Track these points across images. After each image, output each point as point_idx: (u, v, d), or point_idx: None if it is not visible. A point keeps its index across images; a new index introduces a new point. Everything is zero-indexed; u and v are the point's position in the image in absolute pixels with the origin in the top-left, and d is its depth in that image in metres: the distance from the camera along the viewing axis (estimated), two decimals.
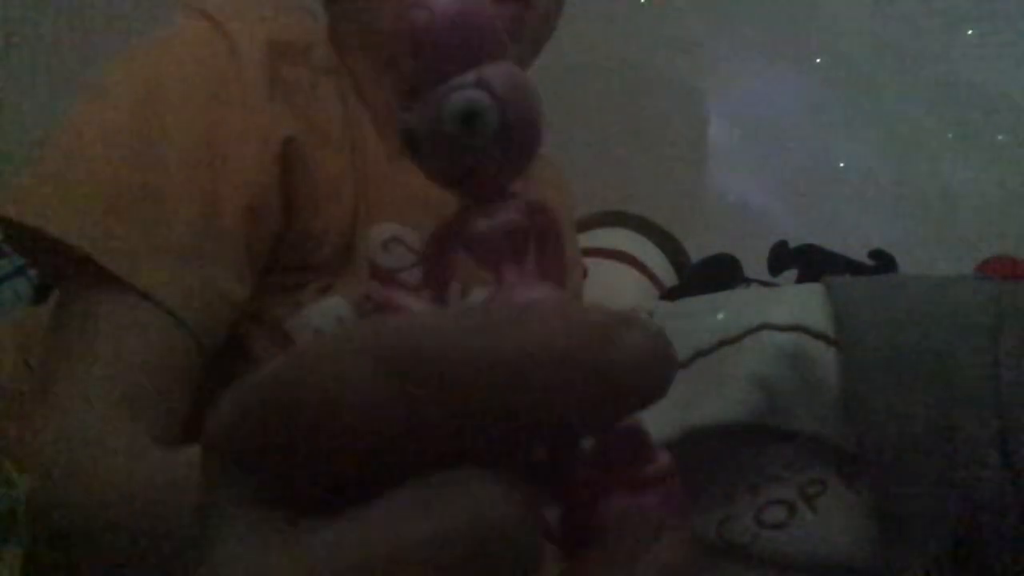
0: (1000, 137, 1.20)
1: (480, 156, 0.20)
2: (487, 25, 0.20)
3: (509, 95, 0.20)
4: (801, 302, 0.77)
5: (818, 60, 1.26)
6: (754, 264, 1.03)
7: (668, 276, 1.14)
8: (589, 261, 1.03)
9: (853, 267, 0.99)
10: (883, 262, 1.00)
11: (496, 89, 0.20)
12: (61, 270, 0.55)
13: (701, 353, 0.74)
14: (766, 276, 1.03)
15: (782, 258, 1.02)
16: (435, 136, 0.20)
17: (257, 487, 0.18)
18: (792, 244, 1.03)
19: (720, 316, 0.76)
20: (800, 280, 0.99)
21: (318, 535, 0.16)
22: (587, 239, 1.09)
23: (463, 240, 0.22)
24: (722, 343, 0.75)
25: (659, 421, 0.62)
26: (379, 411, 0.16)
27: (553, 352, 0.16)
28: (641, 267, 1.10)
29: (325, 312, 0.60)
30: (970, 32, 1.21)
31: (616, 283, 1.07)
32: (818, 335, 0.72)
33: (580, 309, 0.16)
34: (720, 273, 1.03)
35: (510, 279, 0.22)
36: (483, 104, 0.20)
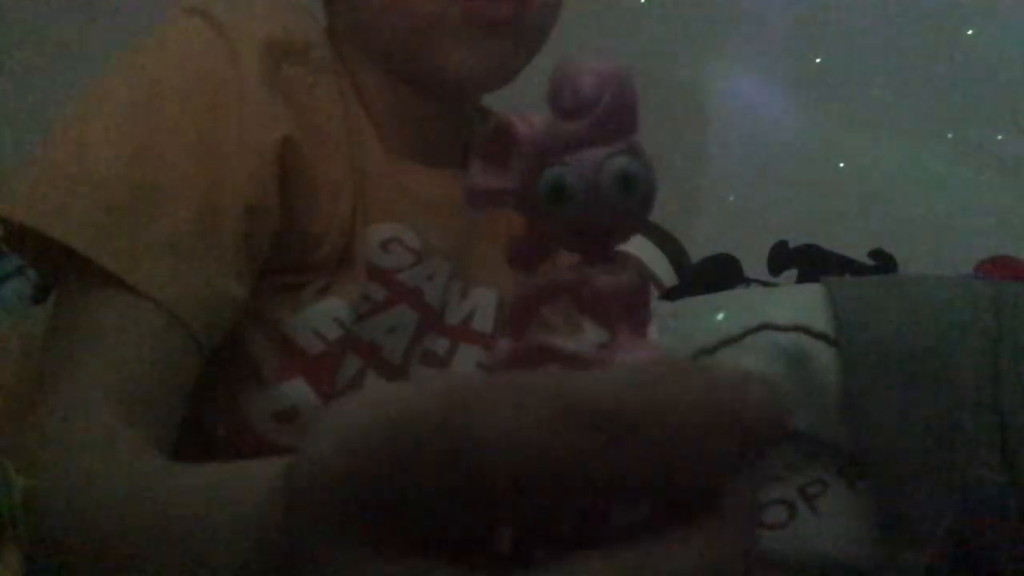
0: (1000, 137, 1.20)
1: (624, 215, 0.23)
2: (637, 102, 0.23)
3: (651, 167, 0.23)
4: (801, 302, 0.77)
5: (818, 60, 1.26)
6: (754, 264, 1.03)
7: (668, 276, 1.14)
8: None
9: (853, 267, 0.99)
10: (883, 262, 1.00)
11: (644, 160, 0.23)
12: (60, 270, 0.55)
13: (703, 352, 0.74)
14: (766, 276, 1.03)
15: (782, 258, 1.02)
16: (590, 193, 0.22)
17: (378, 532, 0.18)
18: (792, 244, 1.03)
19: (720, 316, 0.76)
20: (800, 280, 0.99)
21: None
22: None
23: (581, 294, 0.23)
24: (723, 343, 0.75)
25: None
26: (564, 461, 0.17)
27: (709, 405, 0.17)
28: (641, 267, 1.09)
29: (323, 313, 0.60)
30: (970, 32, 1.21)
31: None
32: (818, 335, 0.72)
33: (711, 367, 0.18)
34: (720, 273, 1.03)
35: (621, 333, 0.23)
36: (640, 171, 0.22)
